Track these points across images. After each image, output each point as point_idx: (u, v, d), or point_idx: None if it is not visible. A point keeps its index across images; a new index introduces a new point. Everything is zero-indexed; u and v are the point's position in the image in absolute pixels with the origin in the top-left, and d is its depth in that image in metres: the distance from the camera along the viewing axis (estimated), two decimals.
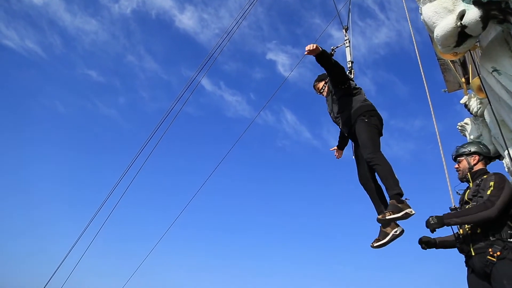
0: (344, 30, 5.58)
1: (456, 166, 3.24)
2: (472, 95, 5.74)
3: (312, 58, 3.69)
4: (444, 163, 3.07)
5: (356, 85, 4.04)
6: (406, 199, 3.06)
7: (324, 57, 3.73)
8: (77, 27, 30.19)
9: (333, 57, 4.05)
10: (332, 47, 4.77)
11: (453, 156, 3.28)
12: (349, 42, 5.31)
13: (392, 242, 3.11)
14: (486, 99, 3.75)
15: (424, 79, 3.68)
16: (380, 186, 3.50)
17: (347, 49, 5.20)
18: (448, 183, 3.01)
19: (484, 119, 5.48)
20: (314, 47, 3.59)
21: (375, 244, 3.16)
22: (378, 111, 3.75)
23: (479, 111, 5.61)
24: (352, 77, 4.63)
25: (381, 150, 3.42)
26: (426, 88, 3.63)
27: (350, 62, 5.07)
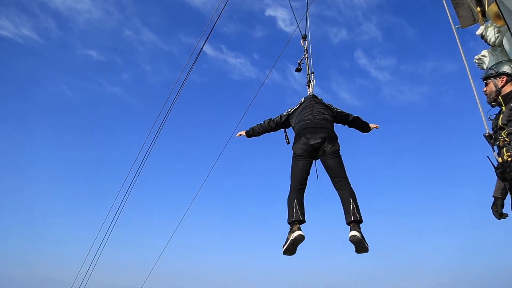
0: (302, 40, 5.44)
1: (484, 89, 3.10)
2: (489, 24, 5.50)
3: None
4: (473, 87, 2.94)
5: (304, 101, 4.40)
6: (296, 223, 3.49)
7: (253, 134, 4.63)
8: (69, 7, 29.48)
9: (300, 71, 5.18)
10: (298, 61, 5.23)
11: (482, 78, 3.14)
12: (307, 52, 5.29)
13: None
14: (505, 26, 3.56)
15: (448, 14, 3.47)
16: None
17: (306, 60, 5.24)
18: (480, 109, 2.90)
19: (503, 48, 5.28)
20: (240, 135, 4.75)
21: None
22: (299, 135, 3.99)
23: (497, 40, 5.39)
24: (309, 90, 4.86)
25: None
26: (451, 22, 3.44)
27: (311, 74, 5.04)
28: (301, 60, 5.27)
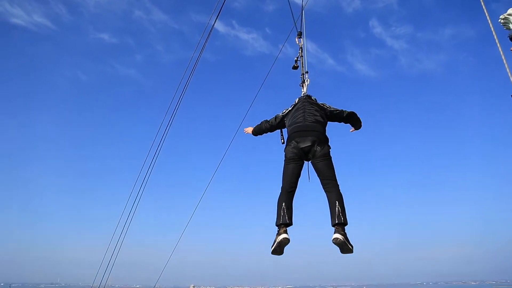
0: (297, 37, 5.25)
1: None
2: None
3: None
4: (499, 47, 2.77)
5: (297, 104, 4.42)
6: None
7: (259, 132, 4.77)
8: None
9: (297, 69, 5.00)
10: (295, 58, 5.09)
11: (510, 37, 2.96)
12: (302, 50, 5.12)
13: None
14: None
15: None
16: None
17: (301, 59, 5.09)
18: (507, 69, 2.73)
19: None
20: (247, 131, 4.94)
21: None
22: (290, 138, 4.06)
23: None
24: (303, 90, 4.79)
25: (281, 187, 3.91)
26: None
27: (305, 74, 4.94)
28: (297, 58, 5.13)
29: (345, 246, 3.47)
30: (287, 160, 3.96)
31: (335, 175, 3.88)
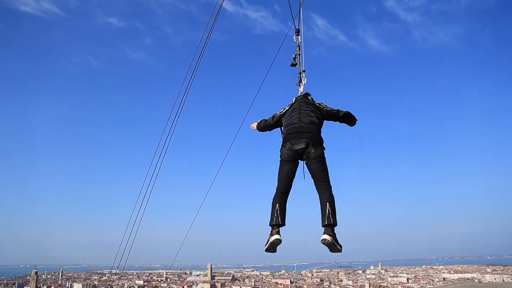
0: (295, 35, 5.20)
1: None
2: None
3: None
4: None
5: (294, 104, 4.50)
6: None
7: (264, 129, 4.87)
8: None
9: (295, 66, 5.02)
10: (293, 56, 5.09)
11: None
12: (300, 48, 5.10)
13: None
14: None
15: None
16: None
17: (299, 58, 5.09)
18: None
19: None
20: (253, 127, 5.11)
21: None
22: (285, 140, 4.18)
23: None
24: (300, 89, 4.86)
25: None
26: None
27: (302, 73, 4.95)
28: (295, 55, 5.13)
29: (333, 247, 3.67)
30: (282, 161, 4.12)
31: (328, 176, 4.03)
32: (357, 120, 4.73)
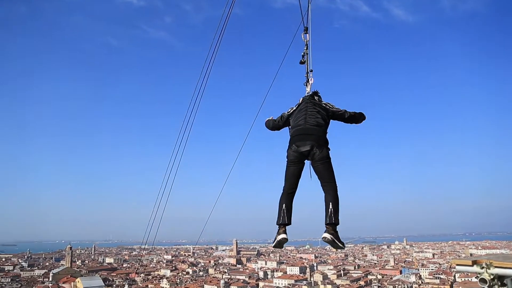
0: (303, 33, 5.05)
1: None
2: None
3: None
4: None
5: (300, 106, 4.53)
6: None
7: (274, 129, 4.84)
8: None
9: (304, 63, 4.94)
10: (302, 53, 4.99)
11: None
12: (307, 47, 4.99)
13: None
14: None
15: None
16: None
17: (307, 57, 4.97)
18: None
19: None
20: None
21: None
22: (291, 141, 4.25)
23: None
24: (307, 89, 4.82)
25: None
26: None
27: (309, 73, 4.90)
28: (304, 53, 5.02)
29: (334, 244, 3.87)
30: (288, 163, 4.24)
31: (333, 176, 4.15)
32: (365, 118, 4.71)
